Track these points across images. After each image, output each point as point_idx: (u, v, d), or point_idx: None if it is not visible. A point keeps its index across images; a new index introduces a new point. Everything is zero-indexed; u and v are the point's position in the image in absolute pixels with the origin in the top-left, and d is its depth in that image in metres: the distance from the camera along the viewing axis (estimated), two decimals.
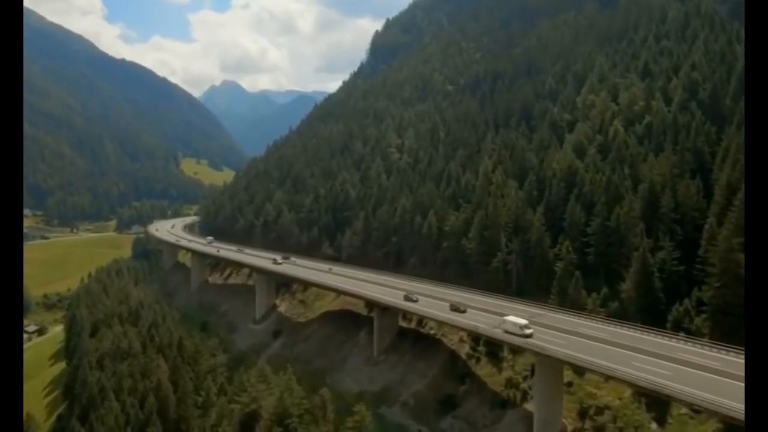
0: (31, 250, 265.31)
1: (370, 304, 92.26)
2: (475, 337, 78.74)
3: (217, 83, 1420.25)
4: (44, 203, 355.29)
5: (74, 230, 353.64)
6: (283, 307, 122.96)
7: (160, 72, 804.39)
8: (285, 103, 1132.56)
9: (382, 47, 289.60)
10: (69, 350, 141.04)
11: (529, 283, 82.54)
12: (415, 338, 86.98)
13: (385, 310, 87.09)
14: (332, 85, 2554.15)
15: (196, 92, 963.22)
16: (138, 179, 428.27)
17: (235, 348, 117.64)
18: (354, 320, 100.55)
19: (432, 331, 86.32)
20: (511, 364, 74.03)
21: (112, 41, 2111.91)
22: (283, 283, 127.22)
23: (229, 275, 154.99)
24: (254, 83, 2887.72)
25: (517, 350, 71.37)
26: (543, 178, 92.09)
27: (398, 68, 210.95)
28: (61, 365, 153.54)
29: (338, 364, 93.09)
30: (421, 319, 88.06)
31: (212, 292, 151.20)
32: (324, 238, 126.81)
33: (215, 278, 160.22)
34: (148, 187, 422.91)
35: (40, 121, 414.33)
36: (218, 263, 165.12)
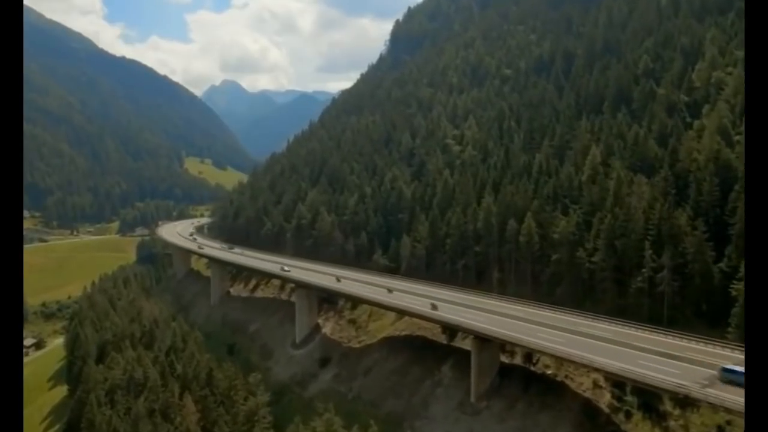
0: (28, 254, 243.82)
1: (471, 334, 71.73)
2: (617, 383, 59.14)
3: (217, 83, 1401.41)
4: (43, 203, 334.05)
5: (74, 232, 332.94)
6: (328, 328, 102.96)
7: (160, 71, 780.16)
8: (286, 103, 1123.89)
9: (405, 37, 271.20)
10: (71, 377, 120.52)
11: (683, 309, 62.78)
12: (525, 379, 66.98)
13: (485, 341, 67.18)
14: (333, 84, 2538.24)
15: (197, 92, 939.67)
16: (141, 178, 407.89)
17: (272, 378, 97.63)
18: (429, 350, 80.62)
19: (549, 371, 66.39)
20: (680, 422, 54.14)
21: (112, 41, 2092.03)
22: (326, 299, 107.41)
23: (256, 287, 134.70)
24: (254, 83, 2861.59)
25: (688, 403, 51.94)
26: (680, 171, 72.31)
27: (434, 55, 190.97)
28: (62, 389, 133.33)
29: (418, 409, 72.99)
30: (530, 354, 68.28)
31: (237, 307, 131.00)
32: (376, 245, 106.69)
33: (239, 290, 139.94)
34: (151, 186, 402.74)
35: (39, 118, 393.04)
36: (240, 272, 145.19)
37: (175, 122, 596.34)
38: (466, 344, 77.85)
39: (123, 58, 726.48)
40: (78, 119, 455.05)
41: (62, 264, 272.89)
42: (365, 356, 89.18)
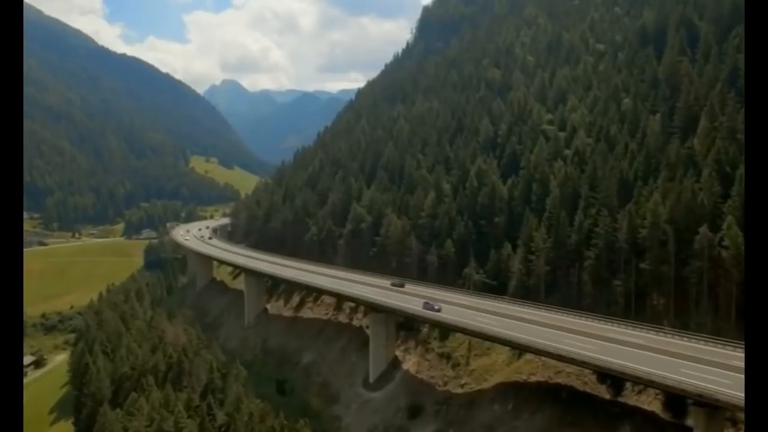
0: (27, 259, 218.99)
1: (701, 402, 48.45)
2: None
3: (218, 82, 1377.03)
4: (42, 204, 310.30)
5: (76, 235, 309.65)
6: (410, 364, 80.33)
7: (161, 70, 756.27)
8: (286, 102, 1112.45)
9: (436, 23, 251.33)
10: (79, 416, 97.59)
11: None
12: None
13: (716, 408, 44.63)
14: (333, 84, 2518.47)
15: (197, 91, 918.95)
16: (146, 178, 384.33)
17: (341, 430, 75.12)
18: (585, 407, 57.79)
19: None
20: None
21: (112, 40, 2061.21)
22: (403, 324, 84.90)
23: (301, 304, 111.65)
24: (254, 82, 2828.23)
25: None
26: None
27: (488, 35, 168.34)
28: (67, 427, 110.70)
29: None
30: None
31: (279, 330, 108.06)
32: (470, 257, 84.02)
33: (278, 307, 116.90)
34: (157, 186, 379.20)
35: (38, 115, 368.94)
36: (276, 285, 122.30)
37: (178, 120, 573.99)
38: (641, 402, 55.71)
39: (124, 56, 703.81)
40: (79, 116, 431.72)
41: (63, 270, 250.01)
42: (478, 408, 66.55)
